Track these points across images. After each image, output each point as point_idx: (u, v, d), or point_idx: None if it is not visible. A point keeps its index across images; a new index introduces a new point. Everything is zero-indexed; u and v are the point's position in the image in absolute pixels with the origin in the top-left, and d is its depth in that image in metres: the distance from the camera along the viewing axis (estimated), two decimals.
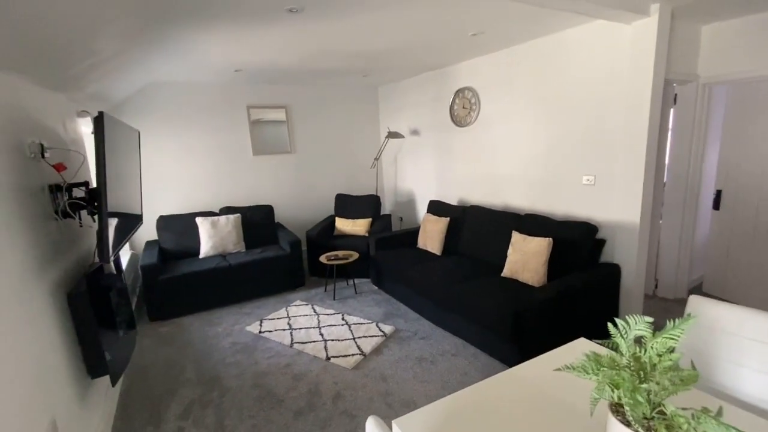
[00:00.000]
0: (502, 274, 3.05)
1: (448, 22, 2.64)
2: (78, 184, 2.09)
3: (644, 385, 0.76)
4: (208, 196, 4.60)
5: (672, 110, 3.32)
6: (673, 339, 0.76)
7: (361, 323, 3.29)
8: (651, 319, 0.81)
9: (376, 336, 3.06)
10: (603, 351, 0.90)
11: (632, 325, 0.81)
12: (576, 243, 2.78)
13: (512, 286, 2.79)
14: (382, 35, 2.83)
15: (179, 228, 4.07)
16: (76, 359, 1.92)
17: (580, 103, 3.00)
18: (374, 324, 3.26)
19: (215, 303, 3.78)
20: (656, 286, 3.63)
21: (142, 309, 3.70)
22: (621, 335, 0.82)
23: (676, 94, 3.26)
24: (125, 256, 3.93)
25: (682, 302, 3.47)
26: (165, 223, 4.06)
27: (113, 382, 1.99)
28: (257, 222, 4.41)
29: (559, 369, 0.88)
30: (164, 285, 3.48)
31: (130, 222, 2.43)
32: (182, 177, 4.44)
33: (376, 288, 4.11)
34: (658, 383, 0.76)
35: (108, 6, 1.66)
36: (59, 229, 1.98)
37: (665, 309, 3.36)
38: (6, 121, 1.57)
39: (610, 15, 2.41)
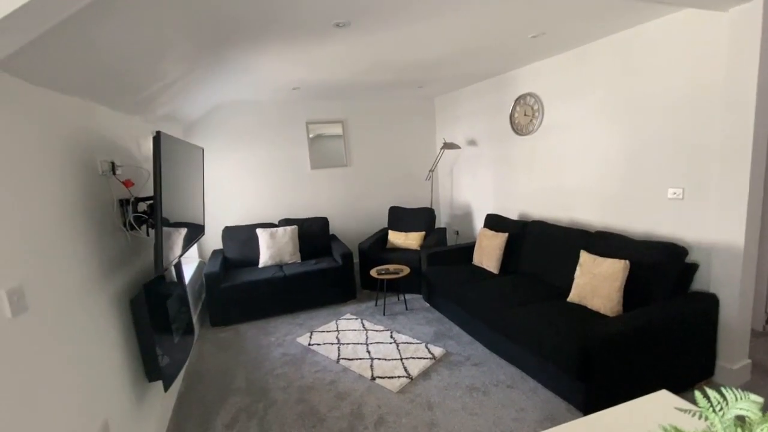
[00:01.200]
0: (568, 299, 2.72)
1: (504, 25, 2.46)
2: (145, 199, 2.26)
3: None
4: (269, 209, 4.81)
5: None
6: None
7: (410, 343, 3.14)
8: (760, 399, 0.59)
9: (424, 358, 2.90)
10: (687, 421, 0.68)
11: (731, 402, 0.59)
12: (659, 267, 2.38)
13: (580, 314, 2.47)
14: (433, 44, 2.73)
15: (242, 238, 4.29)
16: (136, 363, 2.04)
17: (664, 107, 2.61)
18: (423, 345, 3.10)
19: (271, 311, 3.89)
20: (767, 321, 3.00)
21: (206, 314, 3.93)
22: (713, 410, 0.61)
23: None
24: (193, 263, 4.22)
25: None
26: (229, 233, 4.31)
27: (165, 387, 2.08)
28: (313, 233, 4.50)
29: None
30: (225, 292, 3.66)
31: (191, 233, 2.58)
32: (246, 190, 4.70)
33: (428, 305, 3.94)
34: None
35: (166, 29, 1.77)
36: (126, 240, 2.15)
37: None
38: (80, 143, 1.73)
39: (700, 3, 2.06)
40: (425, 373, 2.73)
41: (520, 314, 2.62)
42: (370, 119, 5.14)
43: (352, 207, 5.20)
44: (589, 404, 2.11)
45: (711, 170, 2.38)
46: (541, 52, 3.25)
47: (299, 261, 4.29)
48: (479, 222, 4.81)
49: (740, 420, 0.61)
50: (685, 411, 0.69)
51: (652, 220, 2.76)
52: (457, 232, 5.27)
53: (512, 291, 3.00)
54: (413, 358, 2.91)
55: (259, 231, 4.26)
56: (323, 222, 4.61)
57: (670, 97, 2.57)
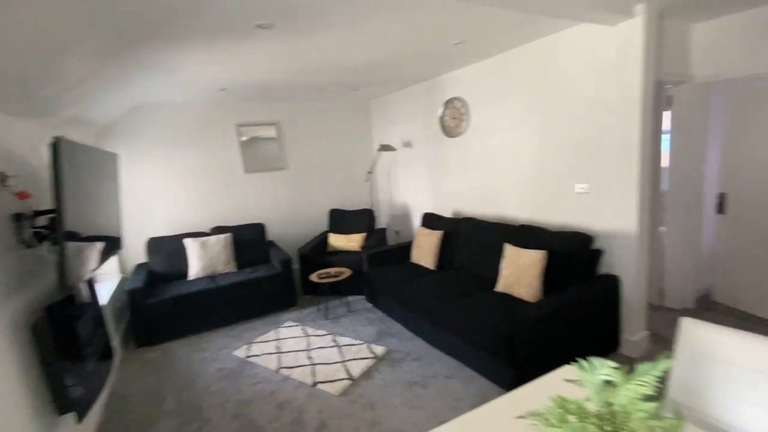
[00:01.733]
0: (496, 289, 2.91)
1: (426, 33, 2.57)
2: (45, 212, 2.03)
3: None
4: (200, 217, 4.54)
5: (668, 112, 3.20)
6: (644, 386, 0.64)
7: (352, 344, 3.16)
8: (615, 365, 0.69)
9: (366, 358, 2.93)
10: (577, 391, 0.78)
11: (596, 369, 0.69)
12: (571, 254, 2.64)
13: (506, 303, 2.65)
14: (358, 49, 2.78)
15: (168, 250, 4.01)
16: (41, 395, 1.82)
17: (572, 109, 2.90)
18: (365, 345, 3.12)
19: (204, 326, 3.67)
20: (662, 296, 3.45)
21: (131, 335, 3.61)
22: (589, 379, 0.70)
23: (670, 96, 3.14)
24: (114, 280, 3.86)
25: (690, 312, 3.29)
26: (154, 245, 4.00)
27: (79, 418, 1.88)
28: (249, 241, 4.33)
29: (522, 416, 0.76)
30: (151, 309, 3.39)
31: (105, 247, 2.36)
32: (173, 198, 4.39)
33: (370, 305, 3.98)
34: None
35: (67, 22, 1.61)
36: (23, 258, 1.91)
37: (672, 320, 3.14)
38: None
39: (591, 17, 2.32)
40: (367, 373, 2.76)
41: (455, 307, 2.75)
42: (305, 121, 5.07)
43: (290, 211, 5.09)
44: (515, 386, 2.27)
45: (610, 167, 2.69)
46: (466, 59, 3.44)
47: (234, 270, 4.10)
48: (418, 221, 4.95)
49: (609, 384, 0.71)
50: (570, 381, 0.78)
51: (566, 213, 3.05)
52: (398, 232, 5.39)
53: (447, 285, 3.14)
54: (355, 359, 2.93)
55: (187, 241, 4.01)
56: (259, 228, 4.46)
57: (578, 100, 2.85)
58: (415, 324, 3.22)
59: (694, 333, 1.12)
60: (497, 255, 3.10)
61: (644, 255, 2.63)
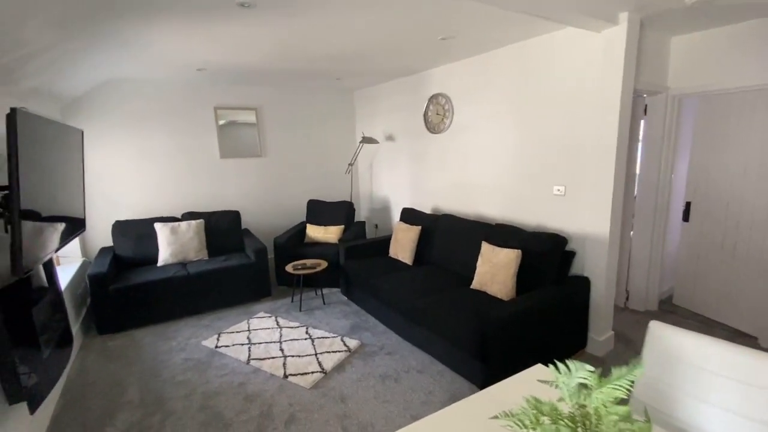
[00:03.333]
0: (471, 286, 2.94)
1: (415, 25, 2.54)
2: (0, 189, 1.89)
3: None
4: (171, 201, 4.36)
5: (642, 121, 3.30)
6: (619, 389, 0.64)
7: (326, 337, 3.13)
8: (591, 368, 0.69)
9: (339, 351, 2.90)
10: (549, 392, 0.78)
11: (573, 372, 0.69)
12: (545, 255, 2.69)
13: (480, 300, 2.69)
14: (343, 37, 2.71)
15: (137, 234, 3.83)
16: None
17: (553, 112, 2.94)
18: (339, 338, 3.10)
19: (172, 315, 3.55)
20: (627, 298, 3.59)
21: (92, 321, 3.45)
22: (563, 382, 0.71)
23: (646, 105, 3.24)
24: (76, 263, 3.67)
25: (653, 314, 3.44)
26: (121, 228, 3.82)
27: (32, 409, 1.78)
28: (222, 228, 4.21)
29: (495, 417, 0.75)
30: (116, 295, 3.24)
31: (66, 228, 2.23)
32: (144, 180, 4.20)
33: (346, 299, 3.95)
34: None
35: None
36: None
37: (636, 321, 3.31)
38: None
39: (579, 22, 2.35)
40: (340, 366, 2.74)
41: (429, 302, 2.76)
42: (286, 108, 4.94)
43: (267, 200, 4.97)
44: (486, 382, 2.31)
45: (586, 170, 2.75)
46: (452, 55, 3.42)
47: (206, 258, 3.98)
48: (397, 215, 4.95)
49: (583, 387, 0.71)
50: (544, 382, 0.78)
51: (542, 213, 3.11)
52: (377, 226, 5.36)
53: (423, 281, 3.15)
54: (328, 352, 2.90)
55: (157, 226, 3.85)
56: (234, 216, 4.33)
57: (557, 103, 2.90)
58: (389, 318, 3.22)
59: (660, 336, 1.15)
60: (474, 252, 3.13)
61: (614, 259, 2.71)
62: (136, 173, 4.14)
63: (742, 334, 3.03)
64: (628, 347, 2.89)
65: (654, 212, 3.34)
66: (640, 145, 3.35)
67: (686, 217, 3.41)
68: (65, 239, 2.16)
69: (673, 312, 3.47)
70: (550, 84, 2.92)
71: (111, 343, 3.16)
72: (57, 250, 2.05)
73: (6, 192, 1.86)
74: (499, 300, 2.67)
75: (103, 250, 3.81)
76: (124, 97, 3.96)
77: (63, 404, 2.40)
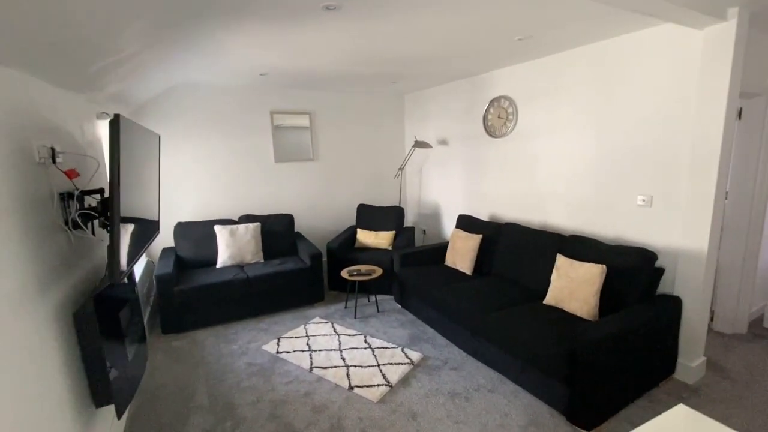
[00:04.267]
0: (545, 302, 2.76)
1: (494, 25, 2.41)
2: (92, 192, 1.92)
3: None
4: (228, 204, 4.44)
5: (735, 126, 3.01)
6: None
7: (386, 347, 3.04)
8: None
9: (402, 363, 2.80)
10: None
11: None
12: (632, 271, 2.48)
13: (560, 318, 2.51)
14: (422, 38, 2.62)
15: (197, 236, 3.91)
16: (80, 386, 1.73)
17: (636, 117, 2.72)
18: (400, 349, 3.00)
19: (231, 316, 3.58)
20: (711, 319, 3.28)
21: (156, 320, 3.54)
22: None
23: (740, 109, 2.95)
24: (140, 263, 3.78)
25: (742, 337, 3.12)
26: (183, 230, 3.91)
27: (119, 414, 1.78)
28: (277, 231, 4.23)
29: None
30: (179, 296, 3.30)
31: (146, 231, 2.25)
32: (202, 183, 4.29)
33: (399, 307, 3.85)
34: None
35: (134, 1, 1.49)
36: (69, 241, 1.81)
37: (724, 345, 3.01)
38: (12, 123, 1.40)
39: (682, 17, 2.13)
40: (405, 380, 2.64)
41: (500, 317, 2.61)
42: (338, 113, 4.93)
43: (318, 203, 4.97)
44: (572, 407, 2.14)
45: (678, 180, 2.52)
46: (520, 56, 3.27)
47: (262, 261, 4.00)
48: (447, 222, 4.81)
49: None
50: None
51: (621, 225, 2.88)
52: (425, 231, 5.25)
53: (489, 293, 3.00)
54: (391, 363, 2.81)
55: (217, 228, 3.91)
56: (288, 219, 4.34)
57: (642, 107, 2.68)
58: (451, 330, 3.09)
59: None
60: (544, 265, 2.95)
61: (711, 277, 2.46)
62: (194, 176, 4.23)
63: None
64: (719, 374, 2.62)
65: (748, 226, 3.03)
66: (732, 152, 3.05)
67: None
68: (147, 242, 2.19)
69: (765, 336, 3.14)
70: (633, 86, 2.71)
71: (175, 344, 3.21)
72: (141, 253, 2.07)
73: (101, 196, 1.90)
74: (581, 319, 2.48)
75: (166, 251, 3.91)
76: (186, 101, 4.06)
77: (137, 406, 2.44)
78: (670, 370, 2.59)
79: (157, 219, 2.60)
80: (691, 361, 2.54)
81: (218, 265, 3.83)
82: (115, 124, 1.52)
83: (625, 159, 2.82)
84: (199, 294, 3.38)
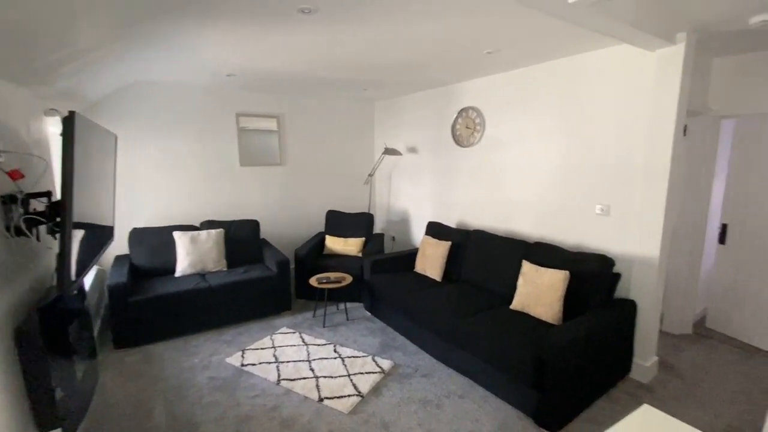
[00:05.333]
0: (512, 307, 2.84)
1: (467, 37, 2.48)
2: (39, 195, 1.76)
3: None
4: (189, 209, 4.22)
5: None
6: None
7: (356, 356, 2.99)
8: None
9: (373, 372, 2.77)
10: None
11: None
12: (592, 277, 2.60)
13: (526, 323, 2.58)
14: (395, 46, 2.64)
15: (154, 242, 3.68)
16: (21, 409, 1.55)
17: (595, 129, 2.89)
18: (370, 358, 2.97)
19: (192, 328, 3.39)
20: (661, 321, 3.50)
21: (107, 334, 3.28)
22: None
23: (686, 126, 3.20)
24: (90, 272, 3.50)
25: (688, 338, 3.36)
26: (139, 236, 3.67)
27: None
28: (241, 238, 4.07)
29: None
30: (134, 307, 3.08)
31: (99, 238, 2.09)
32: (162, 187, 4.06)
33: (370, 314, 3.82)
34: None
35: None
36: (10, 249, 1.64)
37: (673, 345, 3.22)
38: None
39: (635, 39, 2.29)
40: (376, 389, 2.60)
41: (469, 323, 2.65)
42: (307, 117, 4.86)
43: (285, 209, 4.85)
44: (540, 411, 2.20)
45: (633, 190, 2.69)
46: (489, 68, 3.38)
47: (225, 269, 3.83)
48: (417, 228, 4.85)
49: None
50: None
51: (581, 233, 3.03)
52: (394, 238, 5.26)
53: (458, 299, 3.04)
54: (361, 373, 2.76)
55: (176, 234, 3.71)
56: (254, 225, 4.20)
57: (601, 121, 2.85)
58: (422, 337, 3.09)
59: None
60: (511, 271, 3.04)
61: (662, 281, 2.64)
62: (153, 179, 4.00)
63: None
64: (670, 373, 2.80)
65: (691, 233, 3.28)
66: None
67: (722, 239, 3.36)
68: (100, 250, 2.03)
69: (707, 336, 3.40)
70: (593, 101, 2.88)
71: (129, 359, 2.98)
72: (94, 262, 1.91)
73: (49, 200, 1.74)
74: (547, 323, 2.57)
75: (119, 259, 3.64)
76: (145, 100, 3.84)
77: (87, 429, 2.22)
78: (627, 370, 2.73)
79: (111, 225, 2.43)
80: (645, 361, 2.70)
81: (177, 274, 3.62)
82: (69, 122, 1.41)
83: (586, 170, 2.98)
84: (157, 305, 3.18)
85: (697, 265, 3.34)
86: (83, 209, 1.69)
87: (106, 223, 2.28)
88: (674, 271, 3.37)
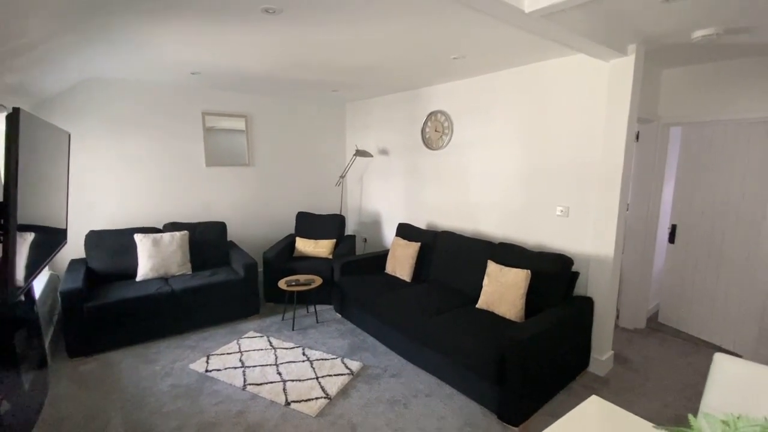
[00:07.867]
0: (477, 306, 2.91)
1: (432, 42, 2.54)
2: None
3: None
4: (152, 210, 4.07)
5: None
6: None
7: (325, 359, 2.97)
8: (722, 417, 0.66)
9: (342, 374, 2.76)
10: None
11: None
12: (552, 276, 2.71)
13: (490, 321, 2.65)
14: (361, 49, 2.66)
15: (113, 246, 3.53)
16: None
17: (556, 134, 3.01)
18: (339, 359, 2.96)
19: (153, 334, 3.26)
20: (617, 317, 3.69)
21: (60, 342, 3.10)
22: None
23: (638, 132, 3.40)
24: (42, 277, 3.30)
25: (642, 332, 3.55)
26: (96, 239, 3.50)
27: None
28: (207, 241, 3.96)
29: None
30: (90, 314, 2.93)
31: (50, 241, 1.99)
32: (120, 187, 3.89)
33: (340, 316, 3.81)
34: None
35: None
36: None
37: (628, 340, 3.40)
38: None
39: (593, 50, 2.42)
40: (344, 391, 2.60)
41: (436, 322, 2.69)
42: (277, 117, 4.80)
43: (253, 211, 4.76)
44: (503, 407, 2.27)
45: (589, 193, 2.83)
46: (457, 74, 3.46)
47: (190, 273, 3.72)
48: (388, 230, 4.88)
49: None
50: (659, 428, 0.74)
51: (542, 233, 3.15)
52: (365, 240, 5.27)
53: (426, 299, 3.08)
54: (330, 375, 2.75)
55: (137, 237, 3.57)
56: (220, 227, 4.10)
57: (561, 126, 2.97)
58: (391, 338, 3.12)
59: (725, 367, 1.16)
60: (477, 271, 3.12)
61: (617, 279, 2.78)
62: (112, 179, 3.83)
63: (726, 352, 3.18)
64: (625, 366, 2.95)
65: (643, 234, 3.48)
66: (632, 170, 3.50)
67: (672, 239, 3.58)
68: (51, 254, 1.93)
69: (659, 330, 3.61)
70: (554, 107, 3.00)
71: (83, 368, 2.84)
72: (43, 267, 1.81)
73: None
74: (510, 321, 2.65)
75: (74, 263, 3.46)
76: (104, 97, 3.68)
77: None
78: (585, 364, 2.86)
79: (64, 227, 2.31)
80: (601, 355, 2.83)
81: (138, 278, 3.48)
82: (13, 119, 1.33)
83: (547, 173, 3.10)
84: (115, 311, 3.04)
85: (650, 264, 3.55)
86: (31, 211, 1.61)
87: (58, 225, 2.17)
88: (628, 269, 3.56)
